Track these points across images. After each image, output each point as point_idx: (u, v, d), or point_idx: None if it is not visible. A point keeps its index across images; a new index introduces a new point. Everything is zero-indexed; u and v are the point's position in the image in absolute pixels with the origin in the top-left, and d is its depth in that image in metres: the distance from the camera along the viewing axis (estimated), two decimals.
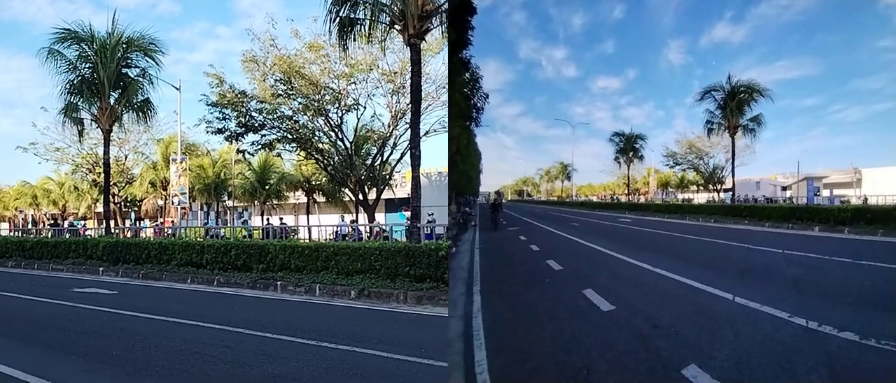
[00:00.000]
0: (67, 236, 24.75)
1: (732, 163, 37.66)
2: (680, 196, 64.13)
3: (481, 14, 13.76)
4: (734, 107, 36.32)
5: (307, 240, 20.92)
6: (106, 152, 23.75)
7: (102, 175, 25.50)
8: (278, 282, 13.62)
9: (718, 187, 50.97)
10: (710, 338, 5.79)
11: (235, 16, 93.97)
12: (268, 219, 37.10)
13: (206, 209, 46.71)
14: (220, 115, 25.35)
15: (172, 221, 33.68)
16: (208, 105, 25.21)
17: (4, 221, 63.54)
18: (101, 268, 18.06)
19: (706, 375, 4.70)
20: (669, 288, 8.64)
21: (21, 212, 63.81)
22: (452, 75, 13.80)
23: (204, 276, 15.14)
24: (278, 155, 32.94)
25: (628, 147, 53.25)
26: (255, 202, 45.47)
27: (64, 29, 21.98)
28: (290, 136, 26.22)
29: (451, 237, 12.98)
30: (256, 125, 25.69)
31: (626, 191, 60.00)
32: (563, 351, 5.68)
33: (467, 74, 19.86)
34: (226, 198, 47.31)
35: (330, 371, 6.34)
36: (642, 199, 60.72)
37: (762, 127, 37.14)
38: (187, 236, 22.23)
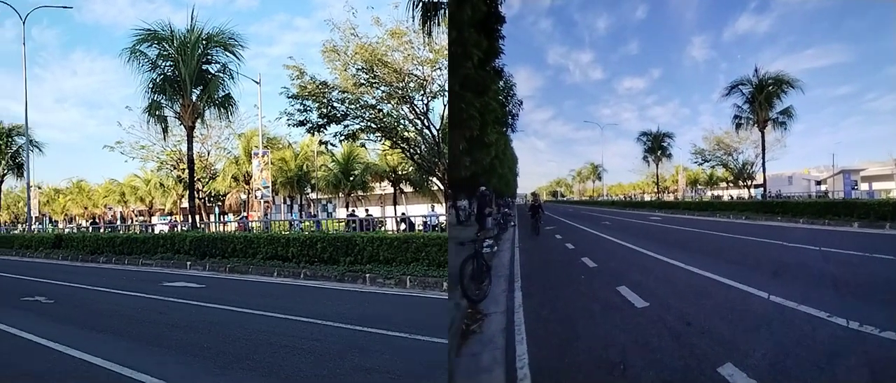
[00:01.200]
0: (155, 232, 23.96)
1: (762, 158, 34.20)
2: (709, 193, 61.48)
3: (510, 23, 13.27)
4: (763, 100, 33.00)
5: (395, 231, 19.85)
6: (189, 148, 22.53)
7: (187, 171, 24.35)
8: (367, 275, 12.54)
9: (748, 183, 47.35)
10: (745, 337, 5.37)
11: (314, 7, 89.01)
12: (353, 211, 34.96)
13: (289, 202, 44.78)
14: (302, 107, 23.27)
15: (256, 215, 32.11)
16: (289, 97, 23.21)
17: (94, 219, 62.60)
18: (188, 263, 17.37)
19: (743, 374, 4.33)
20: (702, 286, 8.14)
21: (110, 209, 62.91)
22: (487, 83, 13.49)
23: (290, 269, 14.20)
24: (362, 145, 30.63)
25: (656, 146, 50.90)
26: (340, 194, 42.97)
27: (145, 29, 21.16)
28: (374, 126, 24.03)
29: (493, 236, 12.72)
30: (339, 116, 23.49)
31: (656, 190, 57.95)
32: (600, 346, 5.41)
33: (501, 82, 19.59)
34: (309, 190, 44.97)
35: (423, 364, 5.89)
36: (671, 198, 58.52)
37: (793, 119, 33.93)
38: (274, 230, 21.35)
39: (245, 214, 37.28)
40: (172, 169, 37.28)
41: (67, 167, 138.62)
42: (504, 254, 12.55)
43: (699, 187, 64.38)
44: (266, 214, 30.35)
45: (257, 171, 28.27)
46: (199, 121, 22.57)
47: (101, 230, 28.30)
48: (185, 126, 21.96)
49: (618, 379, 4.56)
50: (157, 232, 24.62)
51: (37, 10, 44.15)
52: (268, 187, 28.75)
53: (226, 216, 43.04)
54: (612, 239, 16.96)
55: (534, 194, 23.27)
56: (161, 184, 50.91)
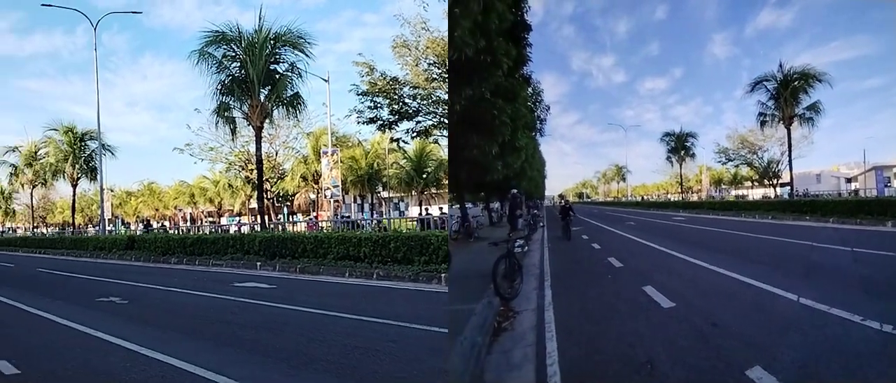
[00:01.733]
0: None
1: (789, 155, 31.93)
2: (733, 192, 59.40)
3: (535, 31, 13.10)
4: (788, 95, 30.75)
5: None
6: (258, 149, 21.39)
7: (255, 171, 23.36)
8: (443, 275, 11.32)
9: (774, 182, 44.44)
10: (774, 340, 5.16)
11: (382, 2, 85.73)
12: (426, 209, 33.75)
13: (359, 201, 42.98)
14: (372, 104, 22.00)
15: (326, 215, 30.79)
16: (359, 94, 21.94)
17: (165, 220, 62.26)
18: (258, 263, 16.38)
19: (772, 378, 4.16)
20: (728, 287, 7.88)
21: (180, 210, 61.93)
22: (517, 90, 13.37)
23: (362, 270, 13.09)
24: (435, 141, 28.16)
25: (679, 146, 49.13)
26: (412, 192, 41.12)
27: (213, 31, 20.25)
28: (447, 121, 22.07)
29: (524, 237, 12.64)
30: (410, 112, 22.01)
31: (679, 190, 56.32)
32: (626, 345, 5.32)
33: (530, 89, 19.39)
34: (380, 188, 43.07)
35: None
36: (695, 197, 56.76)
37: (820, 115, 31.61)
38: (343, 230, 19.75)
39: (314, 214, 36.08)
40: (241, 169, 35.96)
41: (138, 170, 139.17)
42: (534, 254, 12.46)
43: (723, 186, 62.13)
44: (336, 214, 29.07)
45: (326, 170, 27.13)
46: (267, 121, 21.63)
47: (171, 230, 27.59)
48: (253, 126, 21.10)
49: (645, 378, 4.47)
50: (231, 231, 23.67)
51: (107, 16, 44.91)
52: (337, 186, 27.45)
53: (294, 216, 41.49)
54: (637, 239, 16.65)
55: (561, 196, 22.95)
56: (230, 185, 49.50)
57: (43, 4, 32.89)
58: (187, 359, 5.74)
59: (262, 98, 20.37)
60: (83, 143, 39.24)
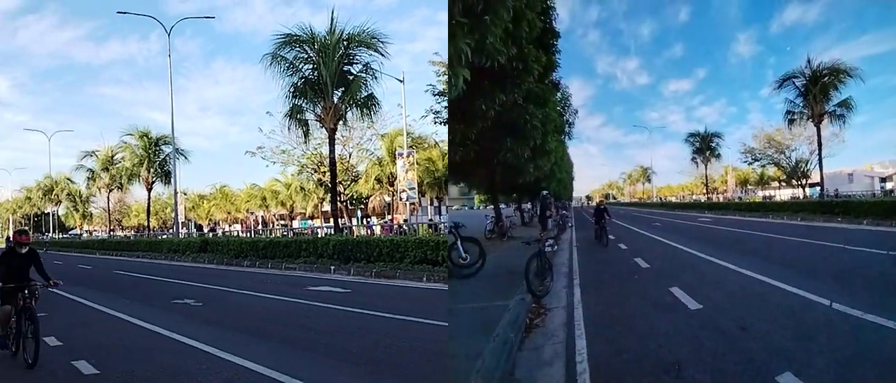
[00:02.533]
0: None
1: (819, 154, 29.07)
2: (760, 193, 56.54)
3: (562, 37, 12.82)
4: (818, 92, 28.13)
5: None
6: (331, 151, 20.07)
7: (328, 174, 21.98)
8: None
9: (803, 182, 40.56)
10: (805, 346, 4.82)
11: None
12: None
13: (437, 204, 39.97)
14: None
15: (401, 217, 28.74)
16: (435, 95, 20.08)
17: (237, 223, 59.51)
18: (332, 267, 15.19)
19: None
20: (756, 290, 7.44)
21: (252, 213, 58.60)
22: (547, 96, 13.15)
23: (440, 274, 11.89)
24: None
25: (704, 146, 46.91)
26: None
27: (285, 34, 18.88)
28: None
29: (553, 236, 12.42)
30: None
31: (705, 191, 54.01)
32: (654, 345, 5.10)
33: (559, 94, 19.00)
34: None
35: None
36: (720, 198, 54.28)
37: (852, 111, 28.80)
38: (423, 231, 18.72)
39: (390, 217, 33.33)
40: (313, 172, 32.68)
41: (210, 173, 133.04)
42: (563, 254, 12.21)
43: (749, 187, 59.16)
44: (412, 216, 27.11)
45: (402, 172, 25.26)
46: (340, 122, 20.34)
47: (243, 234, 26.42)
48: (326, 128, 19.75)
49: (673, 379, 4.28)
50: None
51: (180, 22, 42.28)
52: (414, 188, 25.40)
53: (369, 219, 38.46)
54: (663, 240, 16.10)
55: (588, 197, 22.42)
56: (302, 188, 46.47)
57: (119, 12, 32.81)
58: (260, 362, 5.53)
59: (335, 100, 19.16)
60: (157, 148, 38.68)
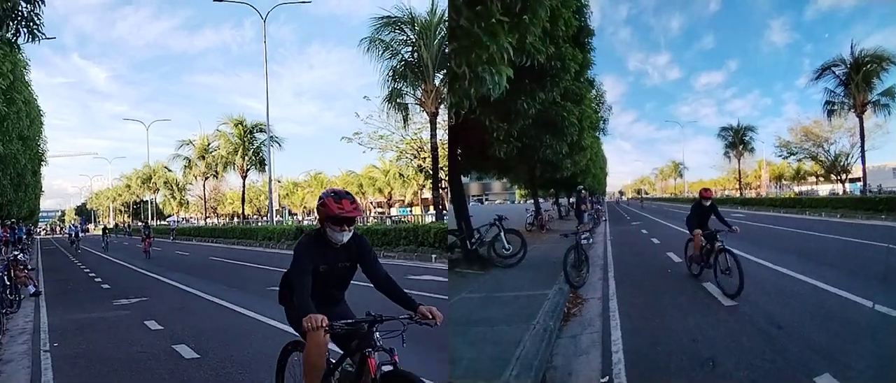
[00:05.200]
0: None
1: (861, 147, 26.17)
2: (796, 188, 52.74)
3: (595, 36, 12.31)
4: (860, 81, 25.11)
5: None
6: (433, 136, 18.30)
7: (428, 159, 20.35)
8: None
9: (843, 177, 37.29)
10: (845, 347, 4.50)
11: None
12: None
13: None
14: None
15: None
16: None
17: None
18: (433, 256, 13.88)
19: None
20: (793, 289, 6.99)
21: None
22: (583, 93, 12.75)
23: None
24: None
25: (737, 140, 44.03)
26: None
27: (384, 16, 17.39)
28: None
29: (589, 230, 12.17)
30: None
31: (738, 186, 50.81)
32: (688, 339, 4.94)
33: (594, 91, 18.39)
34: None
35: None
36: (753, 194, 50.92)
37: None
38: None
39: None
40: (412, 158, 30.36)
41: (305, 160, 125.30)
42: (598, 247, 11.95)
43: (784, 182, 55.23)
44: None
45: None
46: (442, 106, 18.31)
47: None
48: (427, 112, 18.16)
49: (707, 374, 4.15)
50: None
51: (274, 9, 37.48)
52: None
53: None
54: None
55: (621, 192, 21.73)
56: (400, 175, 43.25)
57: (215, 0, 28.65)
58: None
59: (436, 82, 17.39)
60: (252, 135, 36.67)
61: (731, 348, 4.63)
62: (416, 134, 27.38)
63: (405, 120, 19.59)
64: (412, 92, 18.12)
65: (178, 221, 56.99)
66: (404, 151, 29.73)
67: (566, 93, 10.99)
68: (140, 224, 47.20)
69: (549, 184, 20.41)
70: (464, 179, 12.20)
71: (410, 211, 40.26)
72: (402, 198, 48.71)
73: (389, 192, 49.11)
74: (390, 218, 32.60)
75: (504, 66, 4.75)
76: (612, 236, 15.05)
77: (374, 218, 36.25)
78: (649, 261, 10.42)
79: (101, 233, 32.39)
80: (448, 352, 4.58)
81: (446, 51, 17.74)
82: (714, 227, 7.50)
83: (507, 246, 9.09)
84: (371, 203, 52.98)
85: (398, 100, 18.27)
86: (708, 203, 7.72)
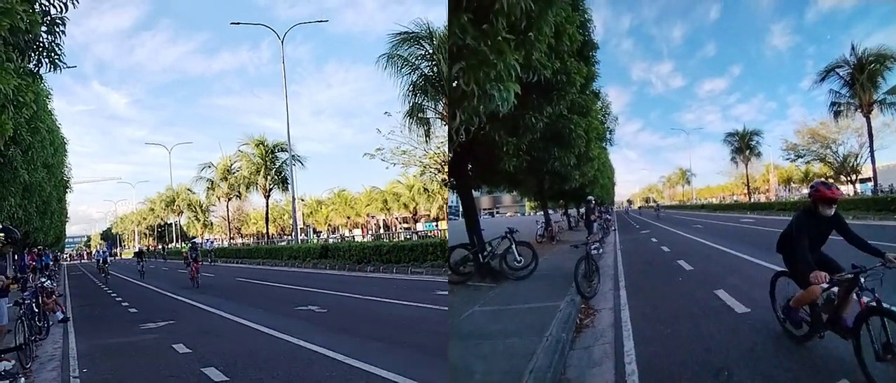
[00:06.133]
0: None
1: (870, 147, 25.71)
2: (805, 191, 51.41)
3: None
4: (865, 80, 24.75)
5: None
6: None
7: None
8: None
9: (853, 177, 35.77)
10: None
11: None
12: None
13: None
14: None
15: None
16: None
17: (357, 228, 54.12)
18: None
19: None
20: None
21: (372, 217, 53.58)
22: (589, 105, 12.73)
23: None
24: None
25: (744, 145, 42.86)
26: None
27: (402, 32, 17.10)
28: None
29: (599, 240, 12.06)
30: None
31: (745, 191, 49.64)
32: (701, 349, 4.80)
33: (599, 103, 18.36)
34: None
35: None
36: (762, 198, 49.70)
37: None
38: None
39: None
40: (437, 172, 29.30)
41: (326, 177, 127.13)
42: (607, 257, 11.82)
43: (793, 185, 53.77)
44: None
45: None
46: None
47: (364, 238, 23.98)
48: (449, 127, 19.59)
49: None
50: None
51: (291, 29, 41.18)
52: None
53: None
54: (705, 242, 15.11)
55: (629, 201, 21.59)
56: (425, 190, 43.32)
57: (232, 23, 29.65)
58: (394, 369, 5.00)
59: None
60: (273, 155, 36.26)
61: (746, 357, 4.50)
62: (439, 148, 26.38)
63: (427, 134, 19.28)
64: (433, 106, 17.90)
65: (212, 242, 55.90)
66: (428, 166, 28.27)
67: (572, 106, 10.99)
68: (181, 246, 45.51)
69: (559, 196, 20.37)
70: (475, 193, 12.23)
71: (436, 225, 38.79)
72: (428, 212, 47.49)
73: (415, 208, 48.07)
74: (416, 233, 31.58)
75: (511, 83, 4.79)
76: (622, 245, 14.86)
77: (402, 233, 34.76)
78: (660, 269, 10.25)
79: (135, 257, 27.75)
80: (454, 365, 4.53)
81: (454, 70, 17.95)
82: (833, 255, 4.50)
83: (518, 258, 9.03)
84: (397, 218, 51.55)
85: (420, 114, 17.98)
86: (831, 210, 4.31)
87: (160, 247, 51.79)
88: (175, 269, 25.87)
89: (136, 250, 28.96)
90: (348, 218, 56.67)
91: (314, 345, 6.41)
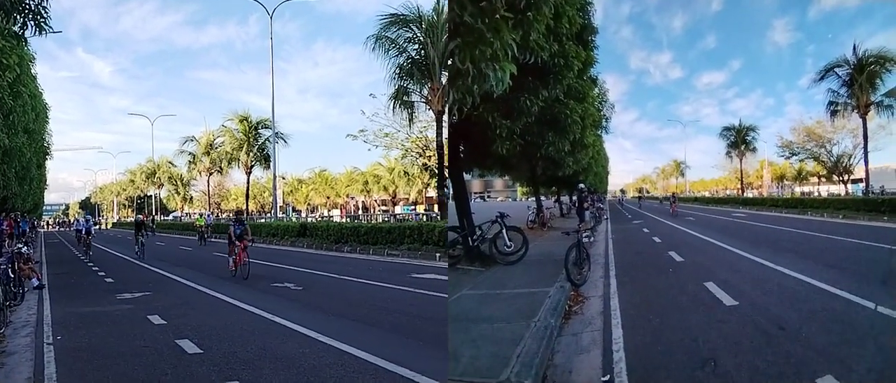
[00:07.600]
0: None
1: (864, 148, 25.98)
2: (798, 189, 52.34)
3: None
4: (864, 81, 24.93)
5: None
6: (439, 134, 18.15)
7: (433, 158, 20.43)
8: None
9: (845, 177, 36.24)
10: (847, 350, 4.44)
11: None
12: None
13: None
14: None
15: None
16: None
17: (336, 208, 54.35)
18: (437, 254, 13.52)
19: None
20: (796, 289, 6.91)
21: (352, 198, 54.04)
22: (586, 91, 12.66)
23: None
24: None
25: (739, 140, 43.39)
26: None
27: (391, 14, 17.06)
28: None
29: (591, 228, 12.15)
30: None
31: (739, 186, 50.41)
32: (689, 339, 4.89)
33: (596, 89, 18.32)
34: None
35: None
36: (754, 194, 50.45)
37: None
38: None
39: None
40: (418, 156, 29.59)
41: (309, 157, 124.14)
42: (599, 245, 11.92)
43: (786, 182, 54.73)
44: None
45: None
46: (448, 104, 18.60)
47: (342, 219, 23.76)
48: (433, 111, 17.74)
49: (708, 375, 4.10)
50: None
51: (280, 6, 36.27)
52: None
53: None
54: (696, 234, 15.33)
55: (622, 191, 21.73)
56: (405, 173, 43.00)
57: None
58: (364, 348, 5.08)
59: (443, 81, 16.85)
60: (257, 132, 36.20)
61: (732, 349, 4.58)
62: (421, 132, 27.02)
63: (411, 118, 19.35)
64: (418, 90, 17.96)
65: (179, 217, 54.51)
66: (410, 150, 29.17)
67: (569, 90, 10.91)
68: (197, 214, 41.56)
69: (551, 182, 20.43)
70: (466, 176, 12.21)
71: (414, 209, 39.82)
72: (407, 196, 48.08)
73: (394, 191, 48.63)
74: (394, 216, 32.11)
75: (507, 63, 4.70)
76: (614, 235, 15.00)
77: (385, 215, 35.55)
78: (650, 260, 10.36)
79: (134, 228, 19.92)
80: (448, 350, 4.61)
81: (450, 47, 17.66)
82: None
83: (508, 243, 9.06)
84: (376, 201, 51.94)
85: (404, 98, 18.07)
86: None
87: (150, 219, 48.32)
88: (176, 246, 23.86)
89: (136, 219, 21.70)
90: (328, 198, 56.58)
91: (289, 322, 6.50)
